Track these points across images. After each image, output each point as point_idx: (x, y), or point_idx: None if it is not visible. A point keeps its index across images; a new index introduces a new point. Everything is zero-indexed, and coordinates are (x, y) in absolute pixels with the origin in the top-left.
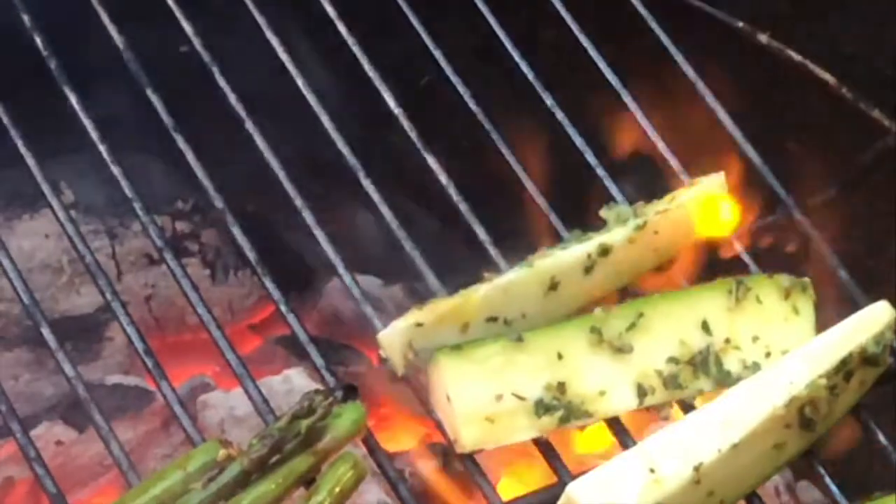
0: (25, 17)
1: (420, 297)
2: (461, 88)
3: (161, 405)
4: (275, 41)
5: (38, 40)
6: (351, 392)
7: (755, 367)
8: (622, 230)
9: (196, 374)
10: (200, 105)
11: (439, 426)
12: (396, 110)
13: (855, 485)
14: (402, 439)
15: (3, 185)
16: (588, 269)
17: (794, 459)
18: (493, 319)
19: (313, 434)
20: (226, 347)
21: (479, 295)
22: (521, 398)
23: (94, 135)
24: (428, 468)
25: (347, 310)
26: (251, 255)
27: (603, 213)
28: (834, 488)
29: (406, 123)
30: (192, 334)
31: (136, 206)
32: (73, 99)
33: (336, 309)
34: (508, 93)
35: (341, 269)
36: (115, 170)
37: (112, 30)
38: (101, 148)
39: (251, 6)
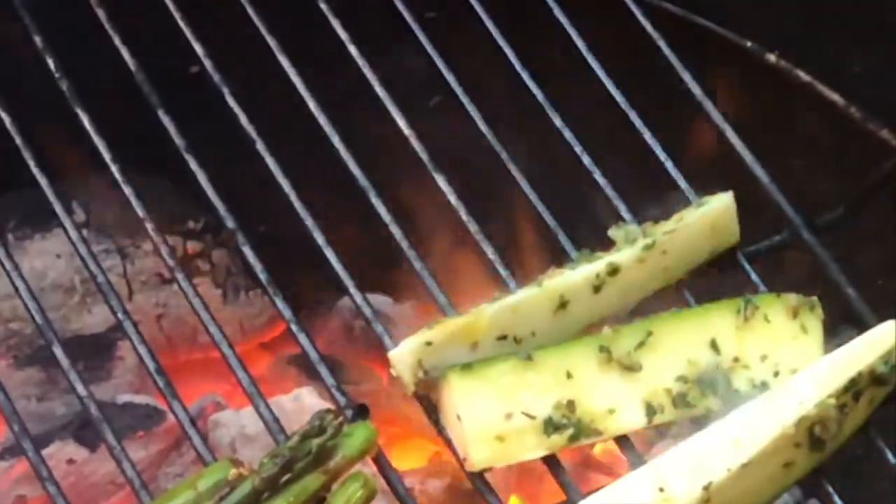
0: (37, 39)
1: (431, 315)
2: (470, 108)
3: (172, 424)
4: (285, 62)
5: (49, 61)
6: (362, 411)
7: (763, 385)
8: (631, 250)
9: (207, 394)
10: (212, 125)
11: (449, 445)
12: (407, 131)
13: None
14: (412, 458)
15: (15, 206)
16: (597, 289)
17: (803, 478)
18: (502, 338)
19: (324, 453)
20: (237, 366)
21: (489, 314)
22: (530, 417)
23: (105, 155)
24: (438, 487)
25: (358, 328)
26: (262, 274)
27: (611, 232)
28: None
29: (416, 143)
30: (203, 353)
31: (148, 225)
32: (84, 119)
33: (347, 328)
34: (515, 113)
35: (352, 288)
36: (127, 190)
37: (124, 51)
38: (113, 168)
39: (261, 28)
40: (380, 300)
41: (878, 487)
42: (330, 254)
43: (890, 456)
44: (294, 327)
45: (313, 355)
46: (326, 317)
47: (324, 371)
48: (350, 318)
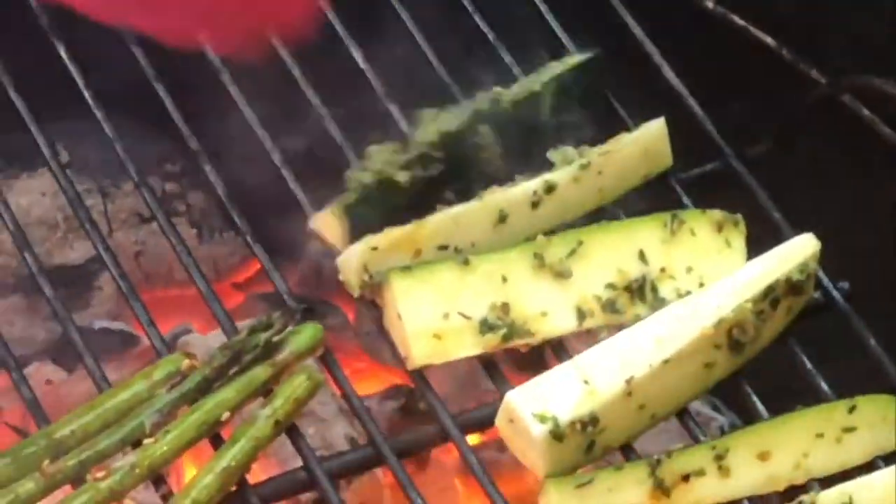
0: None
1: None
2: (435, 60)
3: (146, 348)
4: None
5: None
6: (309, 313)
7: (689, 295)
8: (567, 169)
9: (181, 323)
10: (193, 76)
11: (392, 346)
12: (364, 65)
13: (779, 404)
14: (373, 388)
15: (4, 147)
16: (535, 205)
17: (723, 379)
18: (444, 248)
19: (272, 347)
20: (196, 276)
21: (432, 223)
22: (466, 317)
23: (90, 100)
24: (392, 407)
25: (327, 270)
26: (220, 190)
27: (550, 154)
28: (760, 405)
29: (374, 80)
30: (179, 290)
31: (129, 167)
32: (70, 65)
33: (316, 270)
34: (464, 54)
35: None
36: (109, 132)
37: None
38: (97, 112)
39: None
40: None
41: (794, 392)
42: (301, 197)
43: (806, 361)
44: (248, 239)
45: (266, 264)
46: (298, 261)
47: (276, 277)
48: (319, 261)
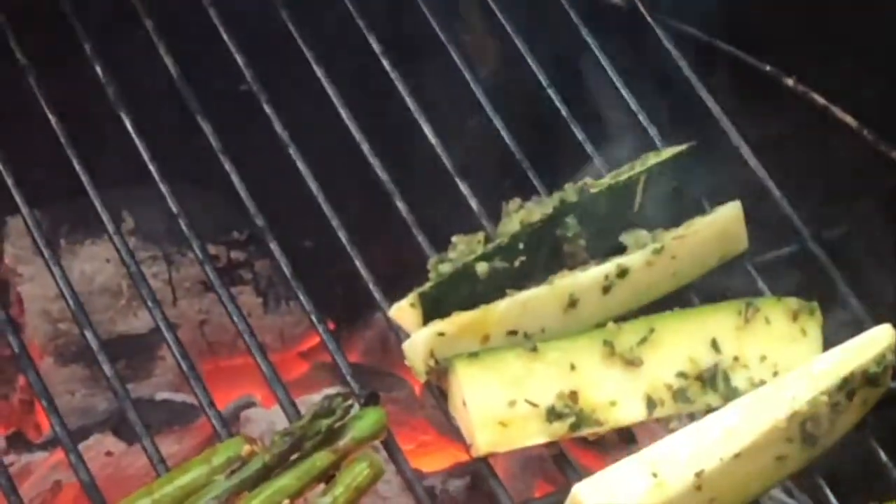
0: (87, 46)
1: None
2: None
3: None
4: (323, 77)
5: (97, 69)
6: (373, 398)
7: (762, 385)
8: (640, 253)
9: (244, 395)
10: (261, 145)
11: (457, 431)
12: (434, 140)
13: (853, 497)
14: (439, 463)
15: (68, 213)
16: (606, 290)
17: (795, 472)
18: (513, 333)
19: (334, 433)
20: (256, 351)
21: (500, 308)
22: (533, 405)
23: (153, 170)
24: (458, 486)
25: (393, 341)
26: (285, 267)
27: (622, 237)
28: (833, 498)
29: (444, 154)
30: (244, 359)
31: (192, 240)
32: (134, 134)
33: (382, 340)
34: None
35: (382, 303)
36: (172, 201)
37: (172, 69)
38: (160, 182)
39: (305, 49)
40: None
41: (869, 486)
42: (364, 272)
43: (882, 455)
44: (314, 318)
45: (331, 345)
46: (364, 330)
47: (340, 359)
48: (385, 331)
